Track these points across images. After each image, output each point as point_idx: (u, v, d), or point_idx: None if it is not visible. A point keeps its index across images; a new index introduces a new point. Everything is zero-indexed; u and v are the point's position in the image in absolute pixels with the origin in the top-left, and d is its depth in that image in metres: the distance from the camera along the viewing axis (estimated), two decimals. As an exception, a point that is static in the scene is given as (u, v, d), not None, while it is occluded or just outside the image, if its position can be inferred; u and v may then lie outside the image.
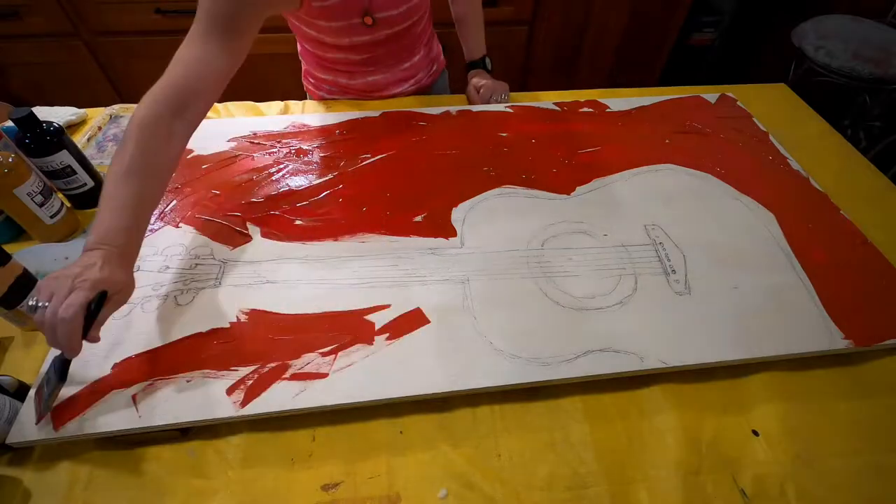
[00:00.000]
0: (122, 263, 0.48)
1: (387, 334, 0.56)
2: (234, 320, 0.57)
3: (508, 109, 0.89)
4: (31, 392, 0.49)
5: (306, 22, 0.76)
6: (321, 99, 0.96)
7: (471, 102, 0.95)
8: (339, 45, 0.81)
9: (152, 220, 0.67)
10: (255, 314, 0.57)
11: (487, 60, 0.97)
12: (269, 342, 0.55)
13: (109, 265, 0.45)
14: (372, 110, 0.88)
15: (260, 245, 0.65)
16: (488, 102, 0.92)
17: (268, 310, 0.58)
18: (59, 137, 0.67)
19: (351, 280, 0.61)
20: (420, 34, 0.90)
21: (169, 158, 0.54)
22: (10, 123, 0.65)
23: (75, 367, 0.50)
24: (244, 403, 0.50)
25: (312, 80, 0.95)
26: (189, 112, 0.55)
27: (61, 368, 0.47)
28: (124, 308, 0.56)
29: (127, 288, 0.48)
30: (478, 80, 0.95)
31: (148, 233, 0.64)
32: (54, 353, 0.50)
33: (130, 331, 0.56)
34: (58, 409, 0.49)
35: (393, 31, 0.81)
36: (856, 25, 1.47)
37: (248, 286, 0.60)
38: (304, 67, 0.96)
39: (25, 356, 0.57)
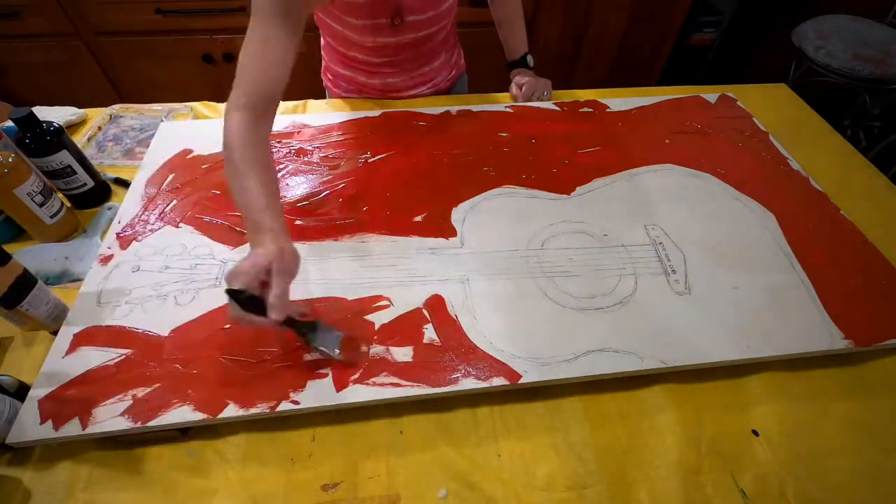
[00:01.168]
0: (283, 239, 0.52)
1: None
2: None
3: (554, 107, 0.90)
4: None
5: (333, 17, 0.77)
6: (338, 96, 0.96)
7: (514, 100, 0.95)
8: (362, 44, 0.81)
9: (152, 220, 0.67)
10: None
11: (529, 58, 0.97)
12: (268, 342, 0.55)
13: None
14: (374, 110, 0.88)
15: (260, 245, 0.65)
16: (530, 100, 0.92)
17: (268, 310, 0.58)
18: (59, 137, 0.67)
19: (351, 280, 0.61)
20: (444, 40, 0.90)
21: (267, 154, 0.57)
22: (10, 123, 0.65)
23: (74, 366, 0.51)
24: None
25: (331, 77, 0.96)
26: (270, 112, 0.60)
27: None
28: (124, 309, 0.57)
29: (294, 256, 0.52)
30: (520, 78, 0.95)
31: (148, 233, 0.65)
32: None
33: (130, 331, 0.55)
34: (58, 409, 0.49)
35: (418, 35, 0.81)
36: (856, 25, 1.46)
37: (248, 286, 0.60)
38: (324, 63, 0.97)
39: (25, 356, 0.57)
